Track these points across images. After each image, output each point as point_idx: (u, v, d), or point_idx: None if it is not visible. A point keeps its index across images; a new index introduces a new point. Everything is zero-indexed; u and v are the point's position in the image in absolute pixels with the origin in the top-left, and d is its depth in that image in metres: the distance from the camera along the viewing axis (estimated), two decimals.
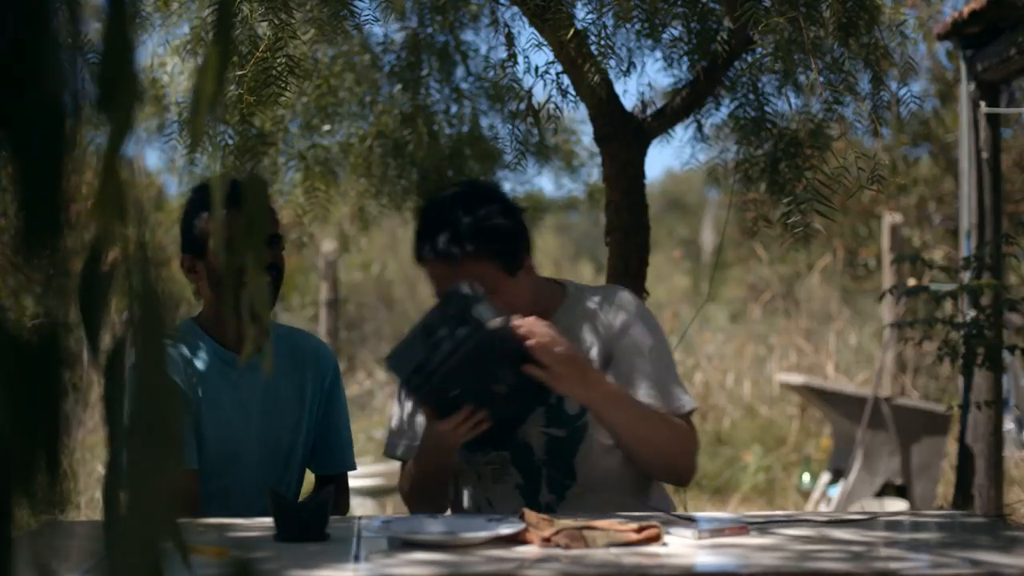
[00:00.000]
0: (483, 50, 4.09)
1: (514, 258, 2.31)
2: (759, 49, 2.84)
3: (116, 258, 0.70)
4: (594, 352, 2.39)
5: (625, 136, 3.12)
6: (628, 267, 3.16)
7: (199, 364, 2.49)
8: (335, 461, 2.62)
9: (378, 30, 3.96)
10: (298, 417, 2.56)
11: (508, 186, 5.23)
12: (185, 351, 2.49)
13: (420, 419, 2.41)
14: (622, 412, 2.27)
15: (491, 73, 3.96)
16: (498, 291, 2.26)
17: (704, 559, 1.77)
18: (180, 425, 0.69)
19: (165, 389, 0.68)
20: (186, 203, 2.56)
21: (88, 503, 4.86)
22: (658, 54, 3.31)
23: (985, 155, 4.49)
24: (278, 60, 2.63)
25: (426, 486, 2.38)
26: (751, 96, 3.14)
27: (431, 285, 2.33)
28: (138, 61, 0.67)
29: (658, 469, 2.39)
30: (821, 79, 2.63)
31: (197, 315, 2.55)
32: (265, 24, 2.62)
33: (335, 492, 2.25)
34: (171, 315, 0.69)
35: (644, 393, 2.35)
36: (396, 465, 2.60)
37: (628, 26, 3.03)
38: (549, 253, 12.90)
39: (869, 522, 2.13)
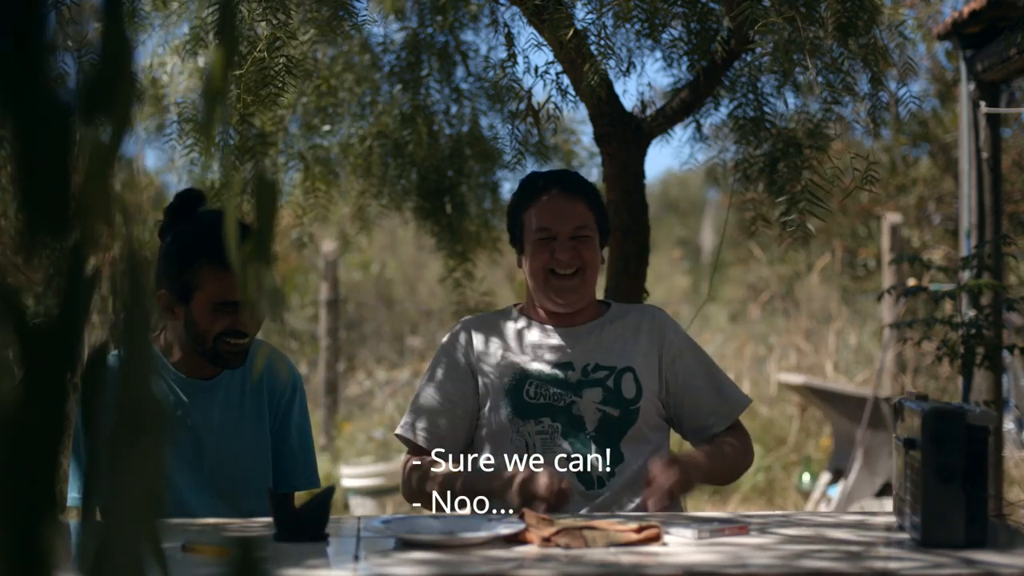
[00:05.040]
0: (483, 50, 4.10)
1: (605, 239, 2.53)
2: (758, 49, 2.84)
3: (104, 260, 0.69)
4: (651, 359, 2.48)
5: (625, 136, 3.12)
6: (628, 267, 3.15)
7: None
8: (282, 484, 2.48)
9: (378, 30, 3.97)
10: (256, 438, 2.46)
11: (508, 186, 5.23)
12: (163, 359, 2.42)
13: (442, 417, 2.47)
14: (716, 477, 2.51)
15: (491, 73, 3.96)
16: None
17: (704, 559, 1.77)
18: (162, 431, 0.69)
19: (149, 396, 0.67)
20: (176, 238, 2.37)
21: None
22: (658, 54, 3.32)
23: (985, 155, 4.49)
24: (276, 60, 2.63)
25: (454, 493, 2.36)
26: (750, 96, 3.14)
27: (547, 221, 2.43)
28: (135, 61, 0.67)
29: (730, 482, 2.64)
30: (820, 79, 2.63)
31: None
32: (263, 24, 2.62)
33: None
34: (155, 320, 0.68)
35: (709, 410, 2.49)
36: (395, 466, 2.58)
37: (628, 26, 3.03)
38: None
39: (867, 521, 2.13)
